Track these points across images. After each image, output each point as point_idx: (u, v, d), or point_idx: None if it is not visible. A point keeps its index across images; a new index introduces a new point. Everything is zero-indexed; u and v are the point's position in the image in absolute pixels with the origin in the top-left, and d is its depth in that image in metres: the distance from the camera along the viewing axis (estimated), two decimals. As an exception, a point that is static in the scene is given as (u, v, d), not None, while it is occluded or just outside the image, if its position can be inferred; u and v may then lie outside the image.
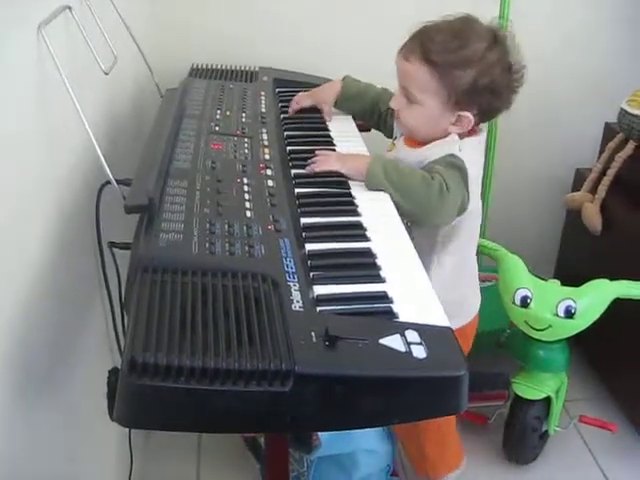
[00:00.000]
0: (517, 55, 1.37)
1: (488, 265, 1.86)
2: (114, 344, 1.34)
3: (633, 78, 2.04)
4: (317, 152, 1.34)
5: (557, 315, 1.67)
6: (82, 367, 1.22)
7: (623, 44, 2.21)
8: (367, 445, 1.67)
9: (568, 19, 2.17)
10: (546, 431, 1.89)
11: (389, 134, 1.57)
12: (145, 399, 0.75)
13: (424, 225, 1.34)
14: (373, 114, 1.61)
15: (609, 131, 2.08)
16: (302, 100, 1.60)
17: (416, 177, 1.27)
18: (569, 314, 1.66)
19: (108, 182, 1.08)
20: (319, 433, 1.52)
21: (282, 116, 1.58)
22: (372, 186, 1.27)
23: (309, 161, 1.31)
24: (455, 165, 1.31)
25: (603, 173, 2.00)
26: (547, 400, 1.83)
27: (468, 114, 1.34)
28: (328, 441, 1.56)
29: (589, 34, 2.19)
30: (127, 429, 1.40)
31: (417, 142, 1.42)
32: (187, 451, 1.91)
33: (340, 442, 1.62)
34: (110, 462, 1.47)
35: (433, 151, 1.36)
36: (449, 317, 1.46)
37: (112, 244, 1.09)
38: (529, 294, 1.69)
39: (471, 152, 1.37)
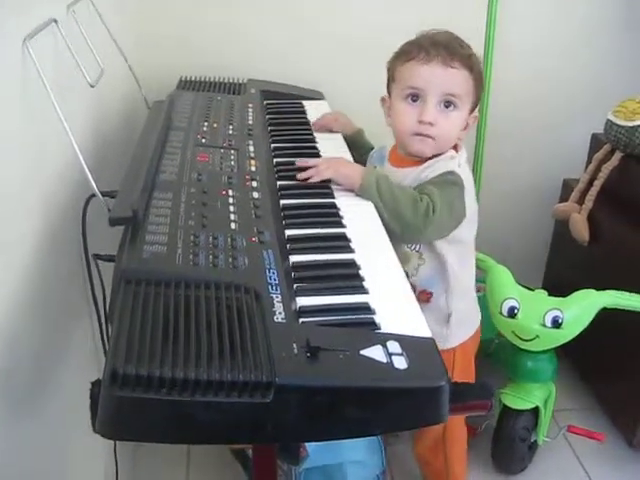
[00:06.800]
0: None
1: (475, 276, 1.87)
2: (101, 356, 1.34)
3: (619, 89, 2.05)
4: (300, 161, 1.36)
5: (544, 325, 1.68)
6: (69, 379, 1.22)
7: (610, 56, 2.22)
8: (355, 456, 1.67)
9: (557, 31, 2.19)
10: (535, 441, 1.90)
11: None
12: (127, 411, 0.75)
13: (404, 242, 1.36)
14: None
15: (596, 142, 2.09)
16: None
17: (405, 197, 1.28)
18: (556, 324, 1.67)
19: (94, 195, 1.09)
20: (306, 444, 1.52)
21: (269, 128, 1.58)
22: (363, 197, 1.29)
23: (297, 161, 1.33)
24: (452, 182, 1.35)
25: (590, 183, 2.01)
26: (535, 410, 1.83)
27: (473, 117, 1.41)
28: (316, 452, 1.55)
29: (577, 46, 2.21)
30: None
31: (407, 161, 1.43)
32: (176, 461, 1.90)
33: (328, 453, 1.62)
34: (98, 473, 1.46)
35: (435, 167, 1.38)
36: (468, 322, 1.55)
37: (97, 256, 1.09)
38: (516, 304, 1.70)
39: (465, 167, 1.42)
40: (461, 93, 1.35)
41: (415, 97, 1.36)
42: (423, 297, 1.45)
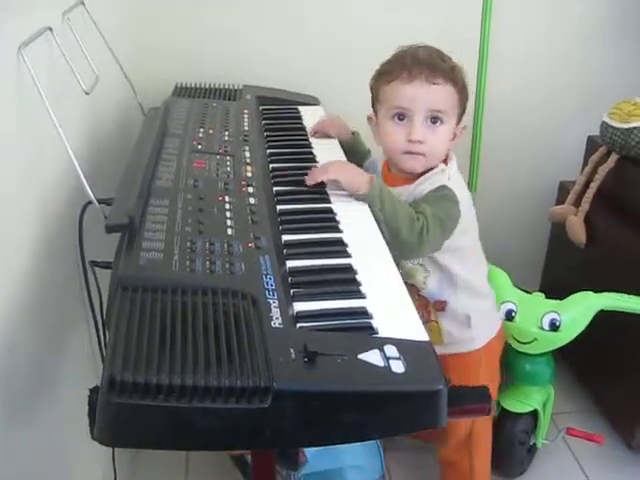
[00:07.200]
0: None
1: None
2: (99, 362, 1.34)
3: (614, 91, 2.05)
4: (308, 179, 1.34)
5: (542, 328, 1.68)
6: (66, 385, 1.22)
7: (604, 59, 2.23)
8: (354, 461, 1.67)
9: (552, 34, 2.20)
10: (534, 444, 1.89)
11: None
12: (125, 417, 0.75)
13: (400, 256, 1.37)
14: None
15: (592, 144, 2.09)
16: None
17: (403, 214, 1.28)
18: (554, 327, 1.67)
19: (90, 202, 1.09)
20: (305, 449, 1.52)
21: (265, 134, 1.58)
22: (365, 202, 1.29)
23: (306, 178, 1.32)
24: (444, 197, 1.35)
25: (586, 186, 2.01)
26: (534, 413, 1.83)
27: (460, 128, 1.42)
28: (315, 457, 1.55)
29: (572, 49, 2.22)
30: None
31: (400, 180, 1.44)
32: (175, 467, 1.90)
33: (327, 458, 1.62)
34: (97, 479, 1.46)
35: (427, 183, 1.39)
36: (490, 321, 1.58)
37: (94, 263, 1.09)
38: (514, 307, 1.70)
39: (457, 176, 1.42)
40: (446, 108, 1.36)
41: (402, 116, 1.37)
42: (438, 306, 1.47)
